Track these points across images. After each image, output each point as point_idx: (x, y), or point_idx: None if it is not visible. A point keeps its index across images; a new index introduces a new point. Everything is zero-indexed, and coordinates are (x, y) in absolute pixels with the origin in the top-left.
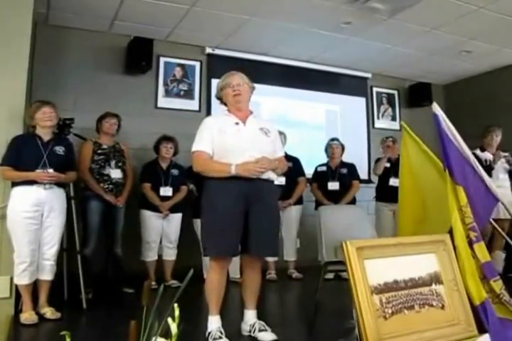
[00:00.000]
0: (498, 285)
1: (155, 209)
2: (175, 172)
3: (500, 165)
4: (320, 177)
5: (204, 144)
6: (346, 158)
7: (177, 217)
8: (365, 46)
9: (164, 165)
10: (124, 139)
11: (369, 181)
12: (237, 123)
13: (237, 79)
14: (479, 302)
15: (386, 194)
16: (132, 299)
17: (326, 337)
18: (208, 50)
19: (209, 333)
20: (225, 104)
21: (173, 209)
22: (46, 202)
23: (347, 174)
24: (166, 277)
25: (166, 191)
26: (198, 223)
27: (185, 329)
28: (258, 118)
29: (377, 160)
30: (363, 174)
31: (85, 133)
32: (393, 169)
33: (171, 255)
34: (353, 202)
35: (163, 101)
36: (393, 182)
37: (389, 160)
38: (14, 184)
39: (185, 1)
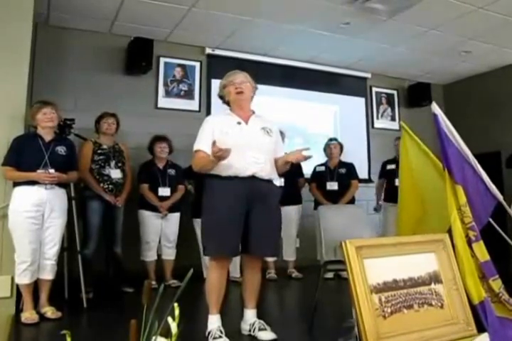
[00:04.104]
0: (497, 284)
1: (153, 209)
2: (172, 172)
3: None
4: (319, 177)
5: (203, 143)
6: (346, 157)
7: (175, 217)
8: (365, 46)
9: (161, 165)
10: (125, 139)
11: (368, 181)
12: (239, 123)
13: (241, 77)
14: (478, 302)
15: (393, 194)
16: (132, 298)
17: (325, 336)
18: (208, 51)
19: (209, 332)
20: (227, 104)
21: (172, 209)
22: (47, 203)
23: (346, 174)
24: (166, 276)
25: (164, 191)
26: (198, 222)
27: (185, 329)
28: (260, 118)
29: (384, 164)
30: (363, 174)
31: (86, 133)
32: (398, 170)
33: (170, 254)
34: (352, 201)
35: (163, 102)
36: (398, 182)
37: (394, 162)
38: (15, 184)
39: (185, 1)
